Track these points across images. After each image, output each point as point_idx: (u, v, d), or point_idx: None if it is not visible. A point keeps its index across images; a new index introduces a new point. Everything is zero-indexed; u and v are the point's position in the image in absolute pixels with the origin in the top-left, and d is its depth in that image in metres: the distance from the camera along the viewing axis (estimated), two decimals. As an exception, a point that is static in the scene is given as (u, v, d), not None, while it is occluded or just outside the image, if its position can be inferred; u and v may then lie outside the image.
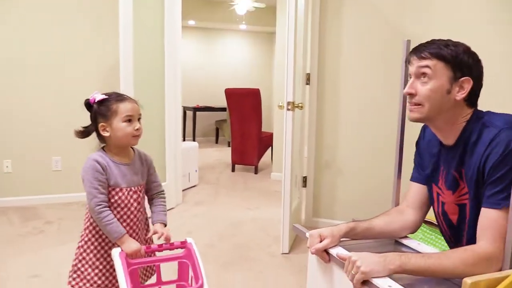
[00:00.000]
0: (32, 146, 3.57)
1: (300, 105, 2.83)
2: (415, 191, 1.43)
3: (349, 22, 3.05)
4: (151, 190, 1.69)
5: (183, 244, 1.58)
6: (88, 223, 1.55)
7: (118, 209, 1.53)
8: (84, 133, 1.57)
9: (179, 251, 1.58)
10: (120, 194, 1.54)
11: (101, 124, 1.52)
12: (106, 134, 1.53)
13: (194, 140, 7.72)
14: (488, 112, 1.25)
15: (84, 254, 1.54)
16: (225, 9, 7.21)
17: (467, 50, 1.23)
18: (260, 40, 8.82)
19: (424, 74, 1.21)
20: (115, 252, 1.45)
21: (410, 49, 1.30)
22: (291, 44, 2.63)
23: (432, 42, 1.24)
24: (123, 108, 1.52)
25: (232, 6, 6.80)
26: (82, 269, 1.54)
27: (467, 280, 0.85)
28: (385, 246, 1.39)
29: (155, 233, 1.60)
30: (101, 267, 1.54)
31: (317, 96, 3.17)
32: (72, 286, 1.54)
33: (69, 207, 3.59)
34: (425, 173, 1.40)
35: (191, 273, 1.54)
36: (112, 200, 1.53)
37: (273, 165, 5.14)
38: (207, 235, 3.05)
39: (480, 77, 1.24)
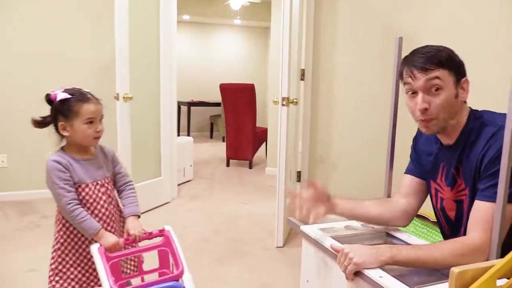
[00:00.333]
0: (27, 141, 3.57)
1: (294, 100, 2.86)
2: (407, 182, 1.45)
3: (344, 18, 3.07)
4: (118, 182, 1.68)
5: (161, 232, 1.59)
6: (61, 225, 1.54)
7: (88, 205, 1.53)
8: (41, 124, 1.53)
9: (158, 240, 1.59)
10: (87, 189, 1.53)
11: (61, 123, 1.50)
12: (65, 133, 1.51)
13: (188, 135, 7.73)
14: (485, 111, 1.28)
15: (63, 255, 1.54)
16: (220, 3, 7.19)
17: (451, 50, 1.24)
18: (255, 35, 8.82)
19: (434, 86, 1.19)
20: (94, 248, 1.44)
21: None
22: (286, 40, 2.65)
23: (425, 50, 1.22)
24: (86, 110, 1.49)
25: (227, 0, 6.79)
26: (64, 269, 1.53)
27: (454, 270, 0.88)
28: (376, 238, 1.43)
29: (128, 234, 1.57)
30: (82, 264, 1.54)
31: (311, 91, 3.20)
32: None
33: (64, 201, 3.59)
34: (421, 168, 1.42)
35: (171, 260, 1.55)
36: (80, 197, 1.52)
37: (268, 160, 5.17)
38: (202, 229, 3.08)
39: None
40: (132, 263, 1.68)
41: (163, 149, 3.69)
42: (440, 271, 1.15)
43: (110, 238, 1.50)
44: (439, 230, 1.50)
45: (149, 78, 3.55)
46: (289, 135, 2.80)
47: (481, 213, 1.15)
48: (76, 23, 3.72)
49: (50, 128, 1.55)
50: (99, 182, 1.57)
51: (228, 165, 5.47)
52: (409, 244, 1.33)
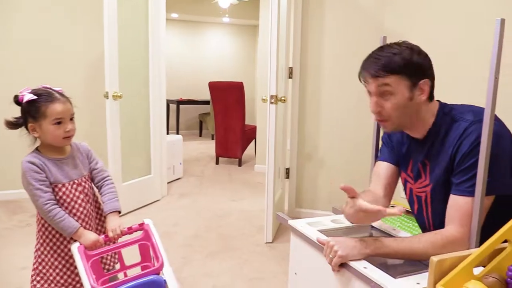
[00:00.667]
0: (14, 140, 3.55)
1: (283, 98, 2.90)
2: (383, 170, 1.47)
3: (331, 17, 3.12)
4: (95, 178, 1.66)
5: (141, 227, 1.59)
6: (40, 225, 1.53)
7: (65, 204, 1.51)
8: (14, 125, 1.51)
9: (139, 234, 1.59)
10: (63, 189, 1.51)
11: (30, 124, 1.48)
12: (35, 134, 1.49)
13: (178, 133, 7.72)
14: (454, 106, 1.31)
15: (43, 256, 1.53)
16: (208, 1, 7.19)
17: (413, 51, 1.24)
18: (244, 33, 8.83)
19: (385, 92, 1.23)
20: (74, 247, 1.44)
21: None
22: (274, 38, 2.69)
23: (379, 56, 1.24)
24: (52, 110, 1.46)
25: (215, -1, 6.80)
26: (44, 270, 1.53)
27: (434, 259, 0.92)
28: (362, 231, 1.47)
29: (108, 235, 1.56)
30: (60, 266, 1.53)
31: (299, 89, 3.24)
32: None
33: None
34: (396, 155, 1.46)
35: (152, 253, 1.55)
36: (57, 197, 1.50)
37: (257, 157, 5.21)
38: (193, 226, 3.11)
39: (432, 71, 1.27)
40: (112, 259, 1.67)
41: (152, 147, 3.71)
42: (421, 262, 1.20)
43: (90, 236, 1.49)
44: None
45: (138, 76, 3.56)
46: (277, 132, 2.84)
47: (457, 207, 1.20)
48: (64, 22, 3.71)
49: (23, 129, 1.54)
50: (76, 181, 1.55)
51: (217, 163, 5.49)
52: (393, 236, 1.38)
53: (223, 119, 5.30)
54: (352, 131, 3.11)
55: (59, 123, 1.47)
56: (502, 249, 1.00)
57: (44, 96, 1.47)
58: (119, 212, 1.62)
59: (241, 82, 5.23)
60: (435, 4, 2.79)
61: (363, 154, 2.99)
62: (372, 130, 1.74)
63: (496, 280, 0.94)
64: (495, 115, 1.14)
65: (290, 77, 3.24)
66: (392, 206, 1.60)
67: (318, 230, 1.37)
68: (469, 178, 1.18)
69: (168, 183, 4.10)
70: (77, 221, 1.50)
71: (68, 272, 1.54)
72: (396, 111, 1.25)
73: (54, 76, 3.61)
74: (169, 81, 4.51)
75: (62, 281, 1.53)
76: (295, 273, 1.46)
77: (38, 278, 1.53)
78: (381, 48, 1.28)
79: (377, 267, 1.11)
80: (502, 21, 1.07)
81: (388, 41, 1.44)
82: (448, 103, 1.34)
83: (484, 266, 0.98)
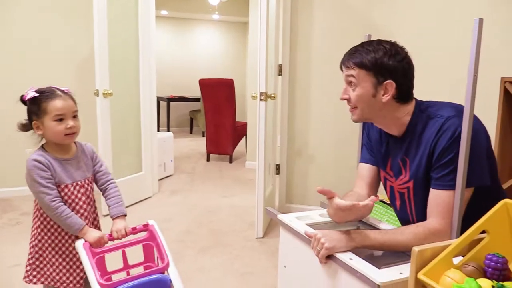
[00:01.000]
0: (4, 138, 3.56)
1: (272, 95, 2.93)
2: (365, 172, 1.54)
3: (320, 14, 3.15)
4: (99, 181, 1.67)
5: (146, 227, 1.62)
6: (39, 222, 1.55)
7: (67, 205, 1.52)
8: (26, 127, 1.54)
9: (143, 234, 1.63)
10: (66, 190, 1.53)
11: (34, 122, 1.50)
12: (39, 132, 1.51)
13: (168, 130, 7.72)
14: (430, 103, 1.36)
15: (40, 252, 1.55)
16: (198, -2, 7.20)
17: (389, 52, 1.29)
18: (234, 30, 8.83)
19: (351, 82, 1.34)
20: (79, 244, 1.46)
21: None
22: (263, 35, 2.71)
23: (356, 50, 1.34)
24: (53, 106, 1.47)
25: (205, -4, 6.80)
26: (41, 265, 1.55)
27: (415, 249, 0.97)
28: (348, 224, 1.51)
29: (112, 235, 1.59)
30: (57, 263, 1.55)
31: (288, 86, 3.27)
32: (34, 283, 1.55)
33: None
34: (375, 155, 1.52)
35: (156, 254, 1.59)
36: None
37: (247, 154, 5.23)
38: (185, 222, 3.14)
39: (406, 74, 1.32)
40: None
41: (143, 145, 3.72)
42: (405, 253, 1.24)
43: (95, 234, 1.52)
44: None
45: (128, 73, 3.57)
46: (267, 129, 2.87)
47: (438, 201, 1.24)
48: (54, 20, 3.70)
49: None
50: (79, 182, 1.57)
51: (208, 159, 5.52)
52: (378, 229, 1.43)
53: (214, 116, 5.31)
54: (341, 128, 3.15)
55: (60, 119, 1.49)
56: (480, 240, 1.04)
57: (45, 94, 1.50)
58: (125, 215, 1.65)
59: (232, 79, 5.24)
60: (422, 2, 2.84)
61: (351, 151, 3.02)
62: (359, 127, 1.78)
63: (475, 268, 0.98)
64: None
65: (280, 74, 3.27)
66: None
67: (306, 224, 1.41)
68: (448, 172, 1.23)
69: (159, 180, 4.12)
70: None
71: (64, 270, 1.56)
72: (360, 102, 1.34)
73: (43, 74, 3.60)
74: (159, 78, 4.51)
75: (57, 277, 1.56)
76: (284, 266, 1.50)
77: (34, 273, 1.55)
78: (362, 44, 1.36)
79: (363, 258, 1.15)
80: (481, 20, 1.11)
81: (374, 38, 1.48)
82: (424, 100, 1.39)
83: (463, 256, 1.03)
